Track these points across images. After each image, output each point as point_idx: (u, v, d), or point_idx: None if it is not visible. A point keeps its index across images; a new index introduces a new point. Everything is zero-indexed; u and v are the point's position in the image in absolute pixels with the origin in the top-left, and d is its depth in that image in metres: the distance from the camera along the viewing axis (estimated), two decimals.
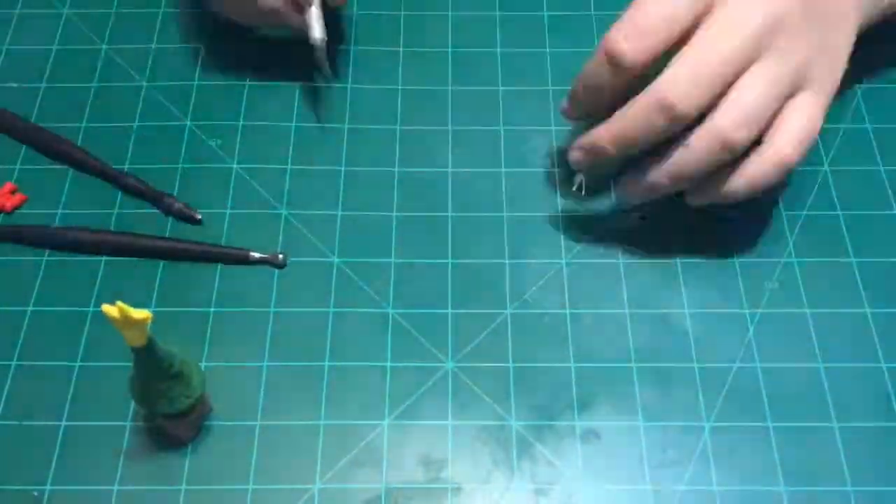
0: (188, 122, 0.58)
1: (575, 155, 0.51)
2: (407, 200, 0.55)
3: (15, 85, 0.59)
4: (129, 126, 0.57)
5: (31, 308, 0.51)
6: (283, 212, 0.54)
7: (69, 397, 0.48)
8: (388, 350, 0.50)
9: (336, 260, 0.53)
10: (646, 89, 0.46)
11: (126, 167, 0.56)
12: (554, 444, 0.47)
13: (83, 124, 0.58)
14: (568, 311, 0.51)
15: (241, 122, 0.58)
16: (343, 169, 0.56)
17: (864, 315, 0.51)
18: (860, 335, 0.51)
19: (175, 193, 0.55)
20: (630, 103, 0.47)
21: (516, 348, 0.50)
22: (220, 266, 0.52)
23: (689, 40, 0.46)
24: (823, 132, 0.57)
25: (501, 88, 0.60)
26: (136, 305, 0.52)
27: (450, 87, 0.60)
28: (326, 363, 0.49)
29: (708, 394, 0.49)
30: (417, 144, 0.57)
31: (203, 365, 0.49)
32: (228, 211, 0.54)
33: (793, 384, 0.49)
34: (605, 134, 0.49)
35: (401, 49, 0.61)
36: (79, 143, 0.56)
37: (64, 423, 0.47)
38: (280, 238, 0.53)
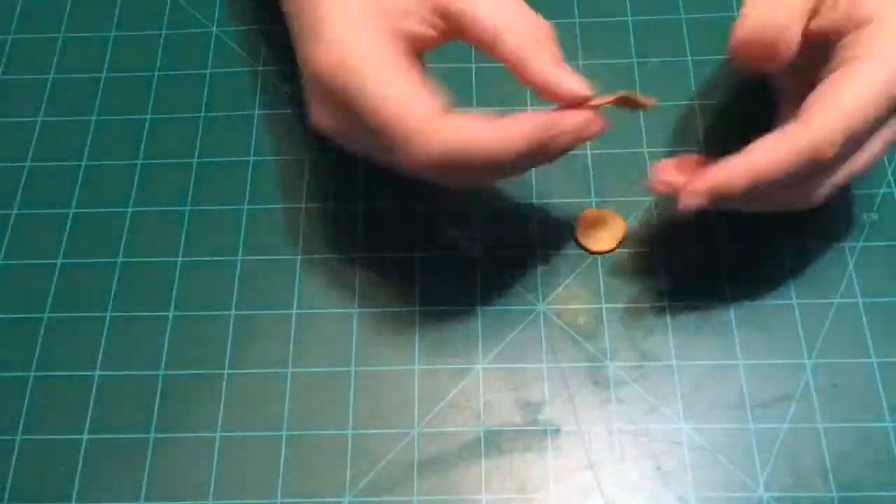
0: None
1: (690, 201, 0.42)
2: None
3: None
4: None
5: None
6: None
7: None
8: (477, 293, 0.49)
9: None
10: (794, 134, 0.41)
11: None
12: (653, 384, 0.47)
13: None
14: None
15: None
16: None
17: None
18: None
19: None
20: (773, 145, 0.41)
21: (607, 289, 0.49)
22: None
23: (848, 69, 0.41)
24: None
25: None
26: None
27: None
28: (417, 307, 0.49)
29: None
30: None
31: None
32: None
33: None
34: (743, 177, 0.41)
35: None
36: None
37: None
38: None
